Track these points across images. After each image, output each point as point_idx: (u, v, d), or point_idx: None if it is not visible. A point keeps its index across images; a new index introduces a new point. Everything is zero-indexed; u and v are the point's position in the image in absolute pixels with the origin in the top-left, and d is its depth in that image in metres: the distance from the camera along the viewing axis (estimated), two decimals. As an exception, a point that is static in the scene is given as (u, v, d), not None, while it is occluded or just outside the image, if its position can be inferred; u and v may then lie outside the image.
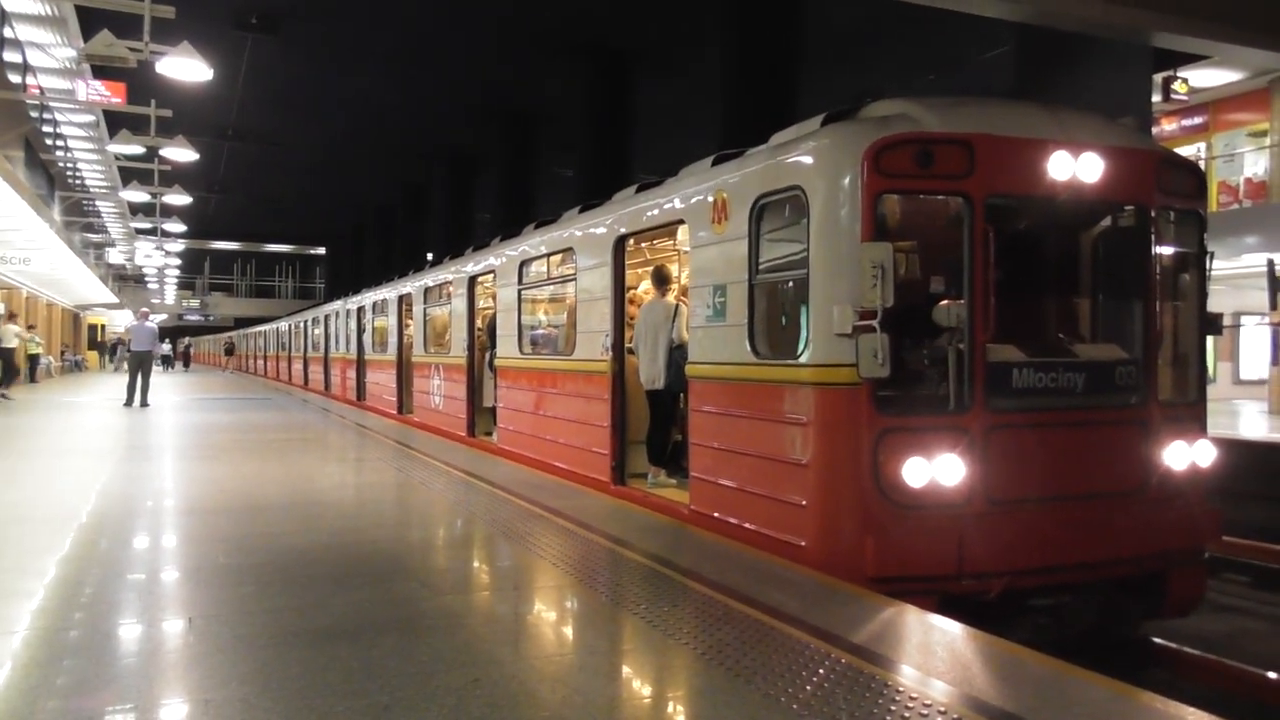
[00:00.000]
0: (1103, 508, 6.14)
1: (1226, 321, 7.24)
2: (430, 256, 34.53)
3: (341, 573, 5.66)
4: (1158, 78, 20.31)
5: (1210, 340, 7.04)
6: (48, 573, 5.63)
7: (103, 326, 60.72)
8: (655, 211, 8.35)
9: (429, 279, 16.35)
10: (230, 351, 53.16)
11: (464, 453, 11.84)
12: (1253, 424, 18.26)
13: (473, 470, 10.03)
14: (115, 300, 50.08)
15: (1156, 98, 20.60)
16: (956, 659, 4.20)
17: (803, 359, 6.08)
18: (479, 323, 13.96)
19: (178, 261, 55.54)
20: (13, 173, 17.30)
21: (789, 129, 6.93)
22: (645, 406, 9.00)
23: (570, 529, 6.92)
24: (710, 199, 7.23)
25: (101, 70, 18.82)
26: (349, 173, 37.07)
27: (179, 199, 27.48)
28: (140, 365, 20.22)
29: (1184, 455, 6.47)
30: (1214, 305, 7.00)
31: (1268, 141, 22.21)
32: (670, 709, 3.80)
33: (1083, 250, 7.08)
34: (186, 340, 61.97)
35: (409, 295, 17.57)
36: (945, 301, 5.98)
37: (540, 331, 12.02)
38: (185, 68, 13.70)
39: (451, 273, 14.89)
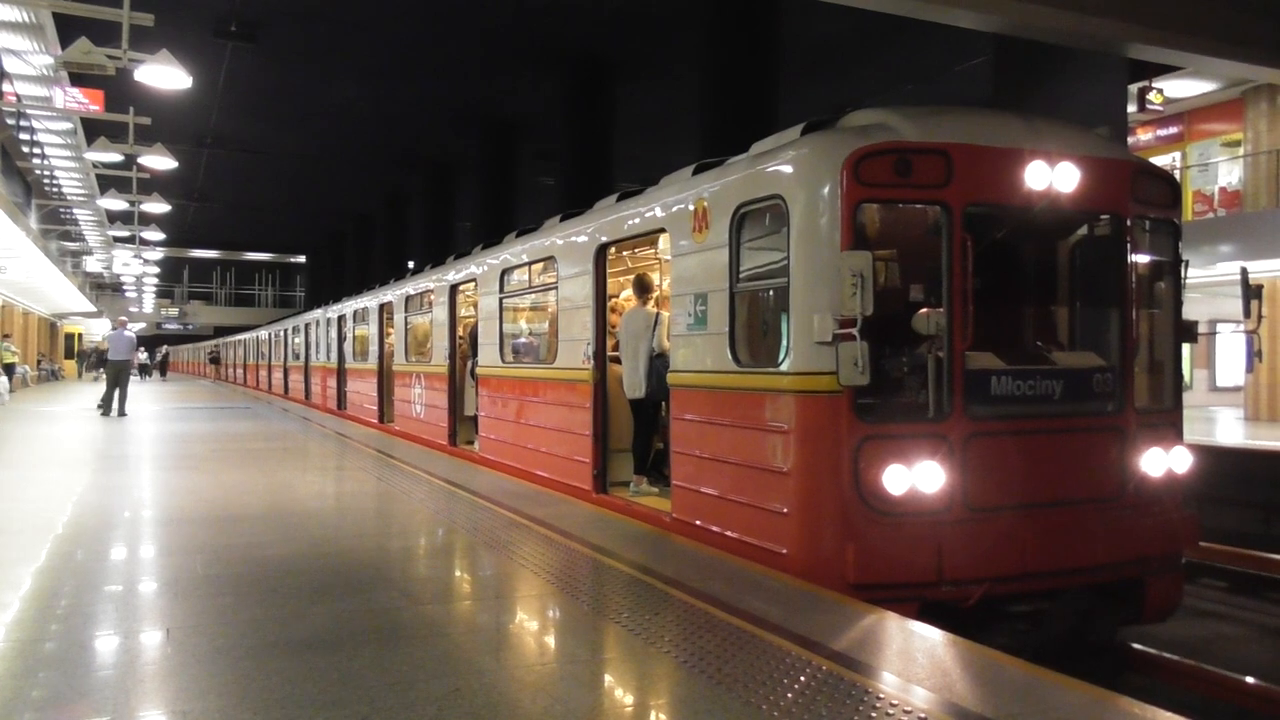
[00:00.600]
0: (1081, 514, 6.18)
1: (1202, 329, 7.32)
2: (411, 265, 34.47)
3: (321, 583, 5.62)
4: (1133, 88, 20.55)
5: (1186, 348, 7.11)
6: (23, 584, 5.57)
7: (80, 335, 60.22)
8: (636, 220, 8.37)
9: (410, 287, 16.31)
10: (216, 360, 52.70)
11: (445, 461, 11.80)
12: (1229, 430, 18.45)
13: (454, 479, 10.00)
14: (93, 309, 49.72)
15: (1132, 108, 20.84)
16: (936, 665, 4.22)
17: (783, 367, 6.10)
18: (460, 331, 13.93)
19: (156, 270, 55.11)
20: (-12, 181, 17.13)
21: (769, 138, 6.96)
22: (627, 415, 9.01)
23: (552, 538, 6.91)
24: (691, 208, 7.26)
25: (79, 77, 18.72)
26: (329, 181, 36.93)
27: (157, 207, 27.28)
28: (118, 374, 20.06)
29: (1161, 462, 6.53)
30: (1189, 313, 7.07)
31: (1241, 151, 22.48)
32: (652, 717, 3.80)
33: (1060, 259, 7.15)
34: (164, 349, 61.41)
35: (390, 304, 17.51)
36: (924, 310, 6.00)
37: (522, 340, 12.01)
38: (164, 75, 13.61)
39: (433, 281, 14.85)
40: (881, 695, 3.80)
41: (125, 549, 6.89)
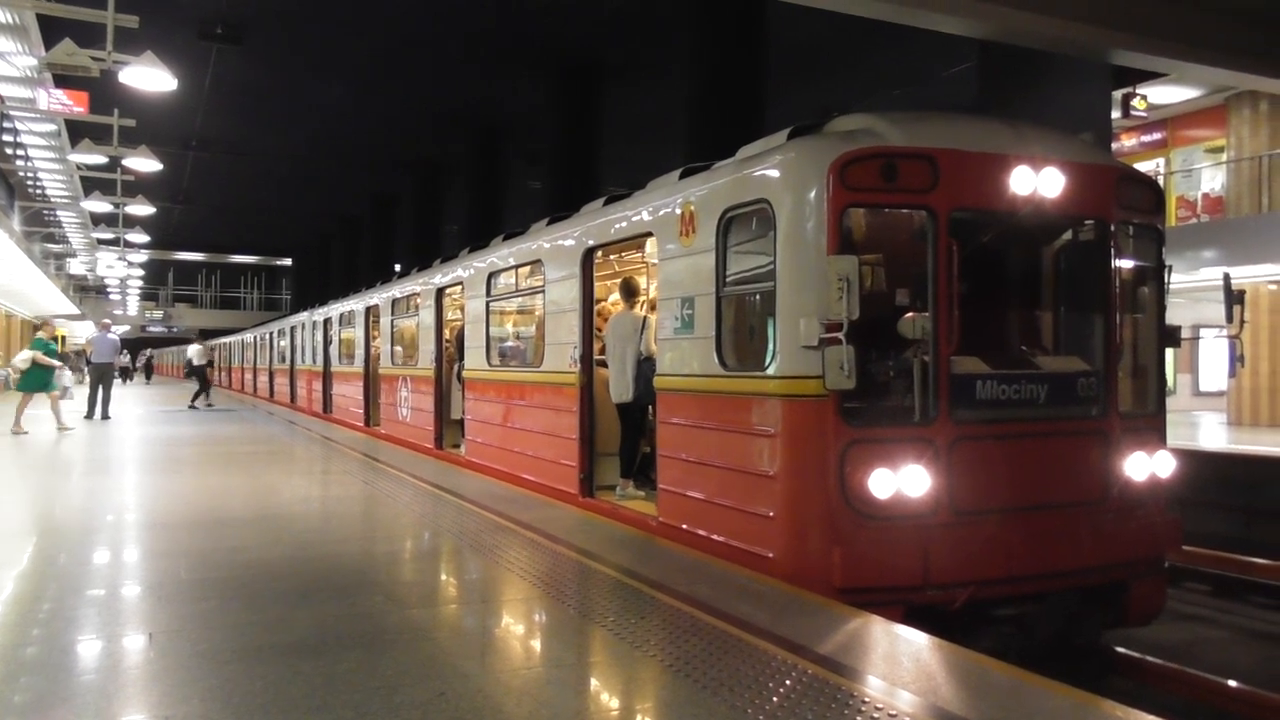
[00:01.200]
0: (1065, 518, 6.21)
1: (1185, 334, 7.37)
2: (398, 268, 34.39)
3: (306, 587, 5.60)
4: (1118, 94, 20.67)
5: (1170, 352, 7.16)
6: (4, 588, 5.53)
7: (63, 338, 59.78)
8: (623, 224, 8.37)
9: (396, 290, 16.27)
10: (210, 364, 52.29)
11: (431, 465, 11.77)
12: (1212, 435, 18.57)
13: (440, 483, 9.97)
14: (76, 311, 49.41)
15: (1116, 114, 20.95)
16: (922, 669, 4.23)
17: (770, 371, 6.11)
18: (447, 334, 13.90)
19: (141, 272, 54.83)
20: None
21: (755, 143, 6.98)
22: (614, 418, 9.00)
23: (538, 541, 6.90)
24: (678, 211, 7.27)
25: (63, 79, 18.57)
26: (315, 184, 36.82)
27: (142, 209, 27.16)
28: (101, 377, 19.95)
29: (1144, 466, 6.57)
30: (1173, 318, 7.12)
31: (1224, 157, 22.66)
32: (637, 721, 3.79)
33: (1044, 264, 7.19)
34: (148, 352, 60.91)
35: (376, 307, 17.47)
36: (910, 314, 6.03)
37: (509, 343, 12.00)
38: (149, 77, 13.55)
39: (419, 284, 14.82)
40: (867, 699, 3.81)
41: (108, 553, 6.85)
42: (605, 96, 22.60)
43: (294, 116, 27.51)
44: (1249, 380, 20.73)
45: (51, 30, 16.57)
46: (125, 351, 45.56)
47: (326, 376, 21.56)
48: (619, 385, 8.78)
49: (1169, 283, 7.03)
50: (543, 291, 9.82)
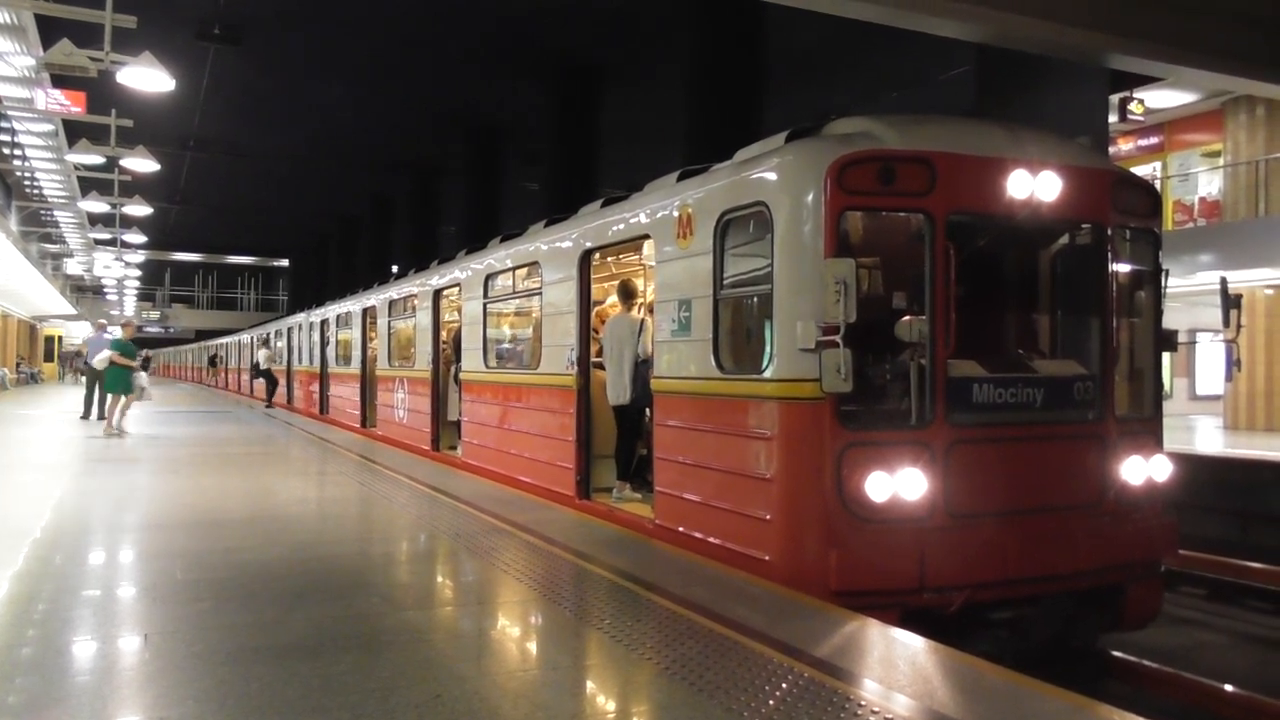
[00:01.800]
0: (1061, 521, 6.21)
1: (1182, 338, 7.38)
2: (395, 269, 34.37)
3: (302, 588, 5.59)
4: (1114, 98, 20.69)
5: (1166, 356, 7.17)
6: (0, 588, 5.52)
7: (60, 338, 59.71)
8: (621, 226, 8.38)
9: (393, 292, 16.26)
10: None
11: (428, 467, 11.76)
12: (1208, 439, 18.59)
13: (436, 484, 9.96)
14: (73, 311, 49.33)
15: (1113, 118, 20.97)
16: (918, 672, 4.23)
17: (767, 374, 6.11)
18: (444, 336, 13.90)
19: (138, 273, 54.74)
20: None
21: (753, 145, 6.98)
22: (610, 420, 9.00)
23: (534, 543, 6.89)
24: (675, 214, 7.27)
25: (61, 79, 18.55)
26: (312, 185, 36.77)
27: (139, 210, 27.14)
28: (97, 378, 19.89)
29: (1141, 469, 6.58)
30: (1169, 322, 7.13)
31: (1221, 162, 22.69)
32: (633, 724, 3.79)
33: (1041, 267, 7.19)
34: (145, 353, 60.73)
35: (373, 308, 17.46)
36: (907, 317, 6.04)
37: (506, 345, 11.99)
38: (147, 77, 13.55)
39: (416, 286, 14.82)
40: (863, 702, 3.81)
41: (104, 553, 6.84)
42: (603, 98, 22.60)
43: (292, 117, 27.49)
44: (1245, 384, 20.74)
45: (49, 30, 16.55)
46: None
47: (323, 378, 21.54)
48: (617, 387, 8.78)
49: (1166, 287, 7.05)
50: (540, 293, 9.82)
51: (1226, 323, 6.96)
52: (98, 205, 27.03)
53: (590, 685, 4.21)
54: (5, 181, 30.74)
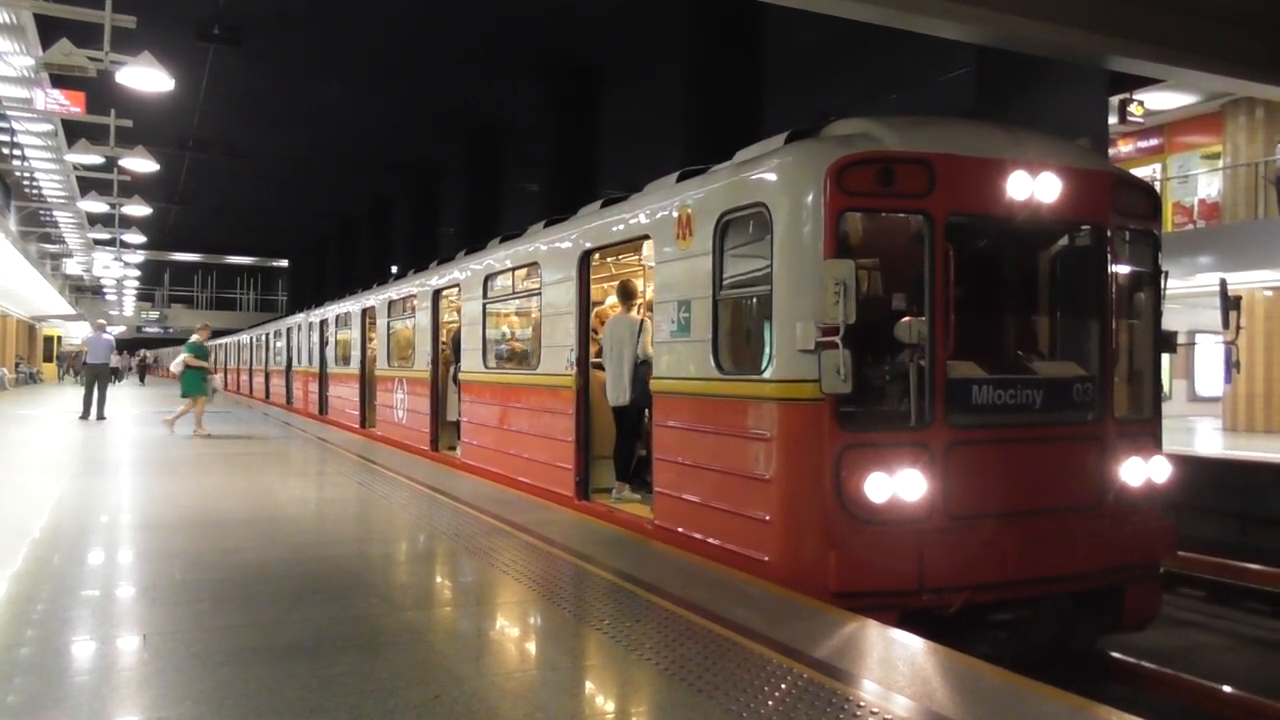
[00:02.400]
0: (1060, 523, 6.21)
1: (1181, 340, 7.38)
2: (394, 269, 34.34)
3: (301, 589, 5.59)
4: (1114, 100, 20.70)
5: (1166, 358, 7.17)
6: (-2, 589, 5.51)
7: (59, 338, 59.68)
8: (620, 226, 8.37)
9: (393, 292, 16.26)
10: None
11: (427, 467, 11.76)
12: (1207, 440, 18.60)
13: (435, 485, 9.96)
14: (72, 311, 49.32)
15: (1113, 119, 20.98)
16: (917, 674, 4.23)
17: (766, 374, 6.11)
18: (443, 336, 13.89)
19: (137, 273, 54.73)
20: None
21: (753, 146, 6.98)
22: (610, 421, 8.99)
23: (533, 544, 6.89)
24: (675, 214, 7.26)
25: (60, 79, 18.54)
26: (312, 185, 36.77)
27: (139, 210, 27.13)
28: (97, 378, 19.90)
29: (1140, 471, 6.58)
30: (1169, 324, 7.13)
31: (1220, 164, 22.70)
32: (632, 725, 3.79)
33: (1041, 269, 7.19)
34: (142, 352, 60.59)
35: (373, 308, 17.45)
36: (907, 318, 6.04)
37: (505, 346, 11.99)
38: (146, 78, 13.54)
39: (416, 286, 14.81)
40: (862, 703, 3.81)
41: (103, 554, 6.83)
42: (603, 99, 22.61)
43: (291, 118, 27.48)
44: (1244, 386, 20.75)
45: (49, 30, 16.54)
46: (127, 353, 45.46)
47: (323, 378, 21.53)
48: (616, 388, 8.78)
49: (1165, 288, 7.05)
50: (539, 294, 9.82)
51: (1226, 324, 6.96)
52: (97, 205, 27.03)
53: (589, 686, 4.21)
54: (4, 181, 30.74)
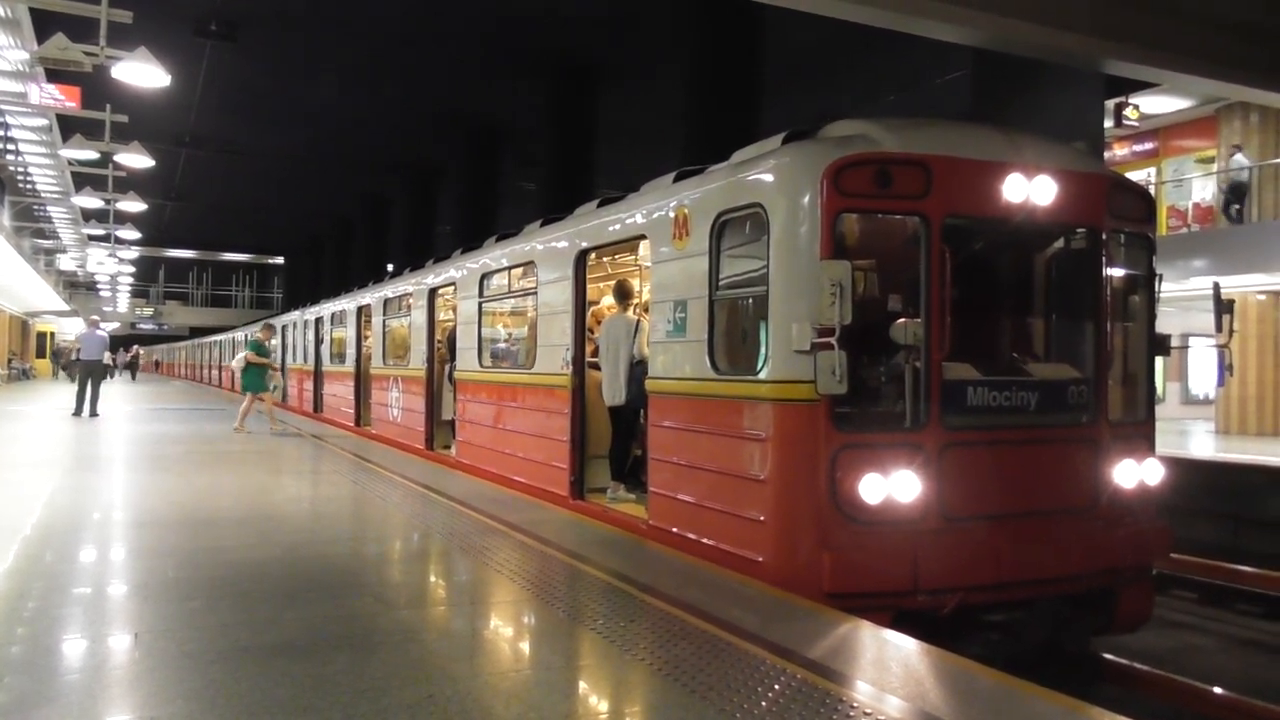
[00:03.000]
0: (1054, 525, 6.23)
1: (1175, 343, 7.39)
2: (390, 268, 34.29)
3: (294, 587, 5.58)
4: (1110, 103, 20.73)
5: (1159, 360, 7.18)
6: (-10, 586, 5.49)
7: (52, 334, 59.51)
8: (617, 226, 8.37)
9: (389, 290, 16.24)
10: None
11: (422, 466, 11.74)
12: (1200, 443, 18.64)
13: (430, 484, 9.95)
14: (66, 308, 49.17)
15: (1109, 123, 21.02)
16: (911, 675, 4.23)
17: (762, 375, 6.11)
18: (439, 335, 13.88)
19: (131, 269, 54.53)
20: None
21: (750, 147, 6.98)
22: (605, 421, 8.99)
23: (528, 543, 6.89)
24: (672, 215, 7.26)
25: (55, 74, 18.48)
26: (308, 182, 36.67)
27: (134, 206, 27.03)
28: (90, 374, 19.85)
29: (1133, 473, 6.59)
30: (1163, 327, 7.14)
31: (1215, 168, 22.74)
32: (626, 725, 3.78)
33: (1036, 271, 7.21)
34: (135, 348, 60.30)
35: (368, 306, 17.43)
36: (902, 320, 6.04)
37: (501, 345, 11.98)
38: (142, 73, 13.50)
39: (412, 284, 14.80)
40: (855, 704, 3.81)
41: (94, 551, 6.81)
42: (600, 99, 22.59)
43: (288, 115, 27.41)
44: (1237, 389, 20.79)
45: (44, 24, 16.50)
46: (121, 347, 45.29)
47: (317, 376, 21.50)
48: (612, 388, 8.78)
49: (1159, 291, 7.06)
50: (535, 293, 9.81)
51: (1219, 328, 6.98)
52: (92, 201, 26.91)
53: (583, 686, 4.21)
54: (-1, 176, 30.65)
